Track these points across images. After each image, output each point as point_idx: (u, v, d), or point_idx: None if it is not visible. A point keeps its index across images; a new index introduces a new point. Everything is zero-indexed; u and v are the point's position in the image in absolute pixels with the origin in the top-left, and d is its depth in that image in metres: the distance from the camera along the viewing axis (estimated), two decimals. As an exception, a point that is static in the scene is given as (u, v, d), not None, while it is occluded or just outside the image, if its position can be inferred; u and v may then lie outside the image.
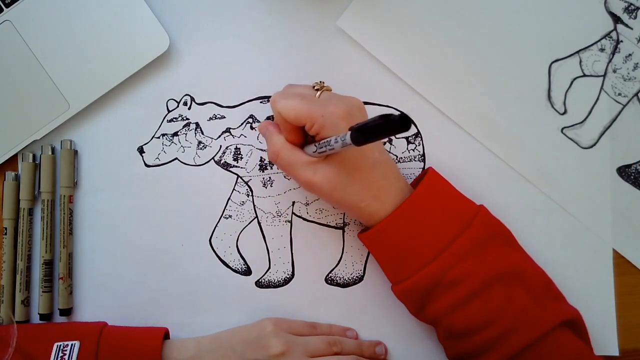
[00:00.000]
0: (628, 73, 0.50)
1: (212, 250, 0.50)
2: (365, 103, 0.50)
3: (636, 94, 0.50)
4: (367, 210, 0.43)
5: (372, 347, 0.48)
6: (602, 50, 0.50)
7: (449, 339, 0.44)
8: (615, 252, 0.49)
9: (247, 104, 0.50)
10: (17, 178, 0.49)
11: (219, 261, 0.50)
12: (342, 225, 0.50)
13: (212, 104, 0.50)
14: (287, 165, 0.43)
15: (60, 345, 0.43)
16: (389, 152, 0.50)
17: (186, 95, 0.50)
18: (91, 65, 0.48)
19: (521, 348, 0.40)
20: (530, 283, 0.42)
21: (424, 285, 0.42)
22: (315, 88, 0.44)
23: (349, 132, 0.35)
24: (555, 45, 0.50)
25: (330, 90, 0.44)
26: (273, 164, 0.50)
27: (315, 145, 0.41)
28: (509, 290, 0.41)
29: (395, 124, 0.31)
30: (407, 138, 0.50)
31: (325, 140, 0.39)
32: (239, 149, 0.50)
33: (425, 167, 0.50)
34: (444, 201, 0.43)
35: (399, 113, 0.31)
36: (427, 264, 0.41)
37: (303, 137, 0.43)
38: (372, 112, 0.50)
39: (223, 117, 0.50)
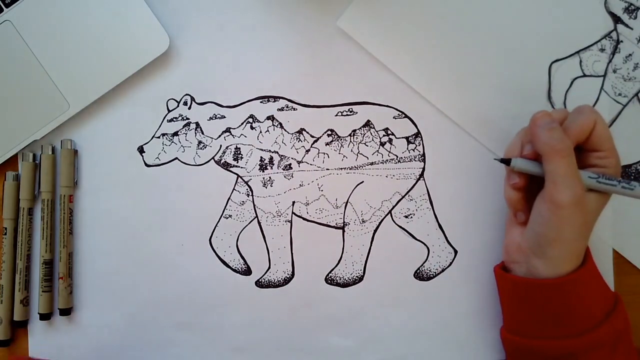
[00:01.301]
0: (628, 73, 0.50)
1: (212, 250, 0.50)
2: (365, 103, 0.50)
3: (636, 94, 0.50)
4: (553, 258, 0.41)
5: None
6: (602, 50, 0.50)
7: None
8: (615, 252, 0.49)
9: (247, 104, 0.50)
10: (17, 178, 0.49)
11: (219, 261, 0.50)
12: (342, 225, 0.50)
13: (212, 104, 0.50)
14: (570, 166, 0.39)
15: None
16: (389, 152, 0.50)
17: (186, 95, 0.50)
18: (91, 65, 0.48)
19: None
20: None
21: (554, 352, 0.41)
22: None
23: None
24: (555, 45, 0.50)
25: None
26: (273, 164, 0.49)
27: (596, 175, 0.41)
28: None
29: None
30: (407, 138, 0.50)
31: (626, 181, 0.40)
32: (239, 148, 0.50)
33: (425, 167, 0.50)
34: (599, 278, 0.43)
35: None
36: (571, 337, 0.40)
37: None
38: (373, 112, 0.50)
39: (223, 117, 0.50)
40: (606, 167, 0.41)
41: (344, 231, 0.50)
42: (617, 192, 0.41)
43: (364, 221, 0.50)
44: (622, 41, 0.50)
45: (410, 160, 0.50)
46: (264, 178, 0.50)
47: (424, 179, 0.50)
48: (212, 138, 0.50)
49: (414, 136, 0.50)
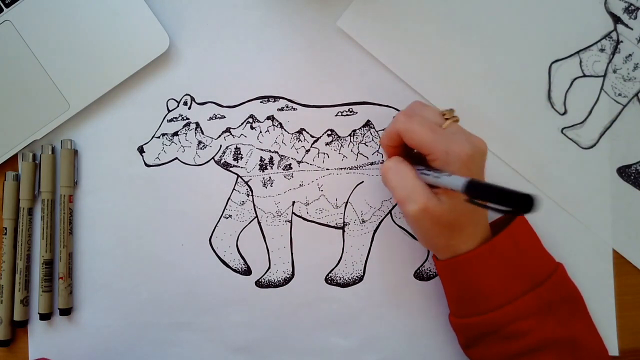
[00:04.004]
0: (628, 73, 0.50)
1: (212, 250, 0.50)
2: (365, 103, 0.50)
3: (636, 94, 0.50)
4: (452, 247, 0.42)
5: None
6: (602, 50, 0.50)
7: None
8: (615, 252, 0.49)
9: (247, 104, 0.50)
10: (17, 178, 0.49)
11: (219, 261, 0.50)
12: (342, 225, 0.50)
13: (212, 104, 0.50)
14: (403, 181, 0.41)
15: None
16: (389, 152, 0.50)
17: (186, 95, 0.50)
18: (91, 65, 0.48)
19: None
20: (581, 358, 0.42)
21: (482, 328, 0.42)
22: (445, 117, 0.42)
23: (465, 181, 0.34)
24: (555, 45, 0.50)
25: (458, 121, 0.43)
26: (273, 164, 0.50)
27: (430, 173, 0.40)
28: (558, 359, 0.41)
29: (520, 202, 0.30)
30: (407, 138, 0.50)
31: (438, 172, 0.39)
32: (239, 148, 0.50)
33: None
34: (525, 251, 0.43)
35: (526, 194, 0.30)
36: (490, 311, 0.41)
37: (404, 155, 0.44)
38: (373, 112, 0.50)
39: (223, 117, 0.50)
40: (440, 169, 0.40)
41: (344, 231, 0.50)
42: (433, 182, 0.40)
43: (364, 221, 0.50)
44: (622, 41, 0.50)
45: (410, 160, 0.50)
46: (264, 178, 0.50)
47: (424, 179, 0.50)
48: (212, 138, 0.50)
49: (414, 136, 0.50)
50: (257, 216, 0.50)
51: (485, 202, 0.33)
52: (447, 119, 0.42)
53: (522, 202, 0.30)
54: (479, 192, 0.33)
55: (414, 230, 0.44)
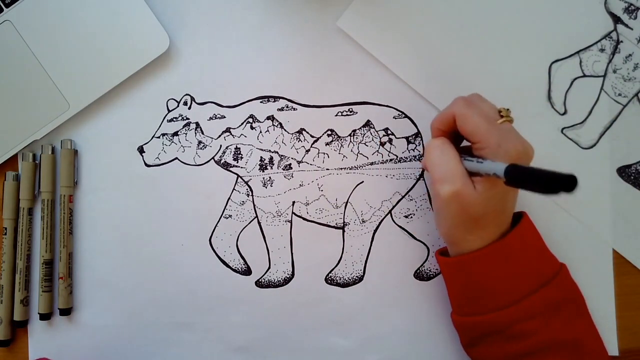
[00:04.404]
0: (628, 73, 0.50)
1: (212, 250, 0.50)
2: (365, 103, 0.50)
3: (636, 94, 0.50)
4: (467, 241, 0.42)
5: None
6: (602, 50, 0.50)
7: None
8: (615, 252, 0.49)
9: (247, 104, 0.50)
10: (17, 178, 0.49)
11: (219, 261, 0.50)
12: (342, 225, 0.50)
13: (212, 104, 0.50)
14: (445, 162, 0.41)
15: None
16: (389, 152, 0.50)
17: (186, 95, 0.50)
18: (91, 65, 0.48)
19: None
20: (584, 359, 0.42)
21: (486, 328, 0.42)
22: (501, 114, 0.42)
23: (507, 165, 0.35)
24: (555, 45, 0.50)
25: (512, 121, 0.42)
26: (273, 164, 0.49)
27: (473, 159, 0.40)
28: None
29: (560, 182, 0.30)
30: (407, 138, 0.50)
31: (481, 159, 0.39)
32: (239, 148, 0.50)
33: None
34: (531, 251, 0.43)
35: (567, 174, 0.30)
36: (496, 310, 0.41)
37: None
38: (373, 112, 0.50)
39: (223, 116, 0.50)
40: (484, 158, 0.40)
41: (344, 231, 0.50)
42: (474, 168, 0.40)
43: (364, 221, 0.50)
44: (622, 41, 0.50)
45: (410, 160, 0.50)
46: (264, 178, 0.50)
47: (424, 179, 0.50)
48: (212, 138, 0.50)
49: (414, 136, 0.50)
50: (257, 216, 0.50)
51: (525, 185, 0.33)
52: (502, 116, 0.42)
53: (563, 183, 0.30)
54: (520, 175, 0.34)
55: (439, 214, 0.42)
